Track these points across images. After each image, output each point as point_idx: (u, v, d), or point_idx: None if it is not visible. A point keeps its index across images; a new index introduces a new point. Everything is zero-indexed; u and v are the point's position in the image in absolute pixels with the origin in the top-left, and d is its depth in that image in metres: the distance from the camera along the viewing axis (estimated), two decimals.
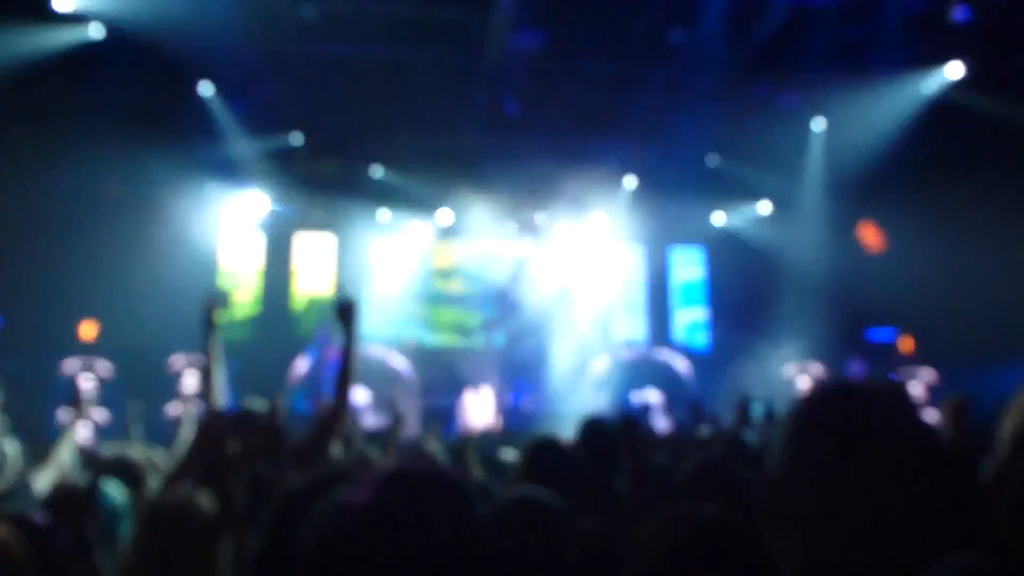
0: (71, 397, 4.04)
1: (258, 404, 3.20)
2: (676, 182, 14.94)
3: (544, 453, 3.17)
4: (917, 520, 1.04)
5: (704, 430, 6.07)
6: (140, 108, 12.11)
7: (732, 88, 13.00)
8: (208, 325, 3.28)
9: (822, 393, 1.19)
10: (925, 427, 1.13)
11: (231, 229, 15.97)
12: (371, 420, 12.69)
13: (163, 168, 13.48)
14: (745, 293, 15.37)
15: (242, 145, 13.94)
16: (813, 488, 1.09)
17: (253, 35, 11.70)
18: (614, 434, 3.21)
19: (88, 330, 13.42)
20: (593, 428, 3.49)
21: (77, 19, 10.81)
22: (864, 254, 14.48)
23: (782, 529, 1.13)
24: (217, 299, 3.10)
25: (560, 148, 13.53)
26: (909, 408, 1.14)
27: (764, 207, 15.79)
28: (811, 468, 1.11)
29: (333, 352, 12.22)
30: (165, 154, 13.11)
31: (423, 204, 16.36)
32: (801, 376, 14.02)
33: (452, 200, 15.84)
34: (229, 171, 14.71)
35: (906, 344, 13.95)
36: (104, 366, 13.18)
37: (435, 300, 17.12)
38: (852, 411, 1.12)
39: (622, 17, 11.41)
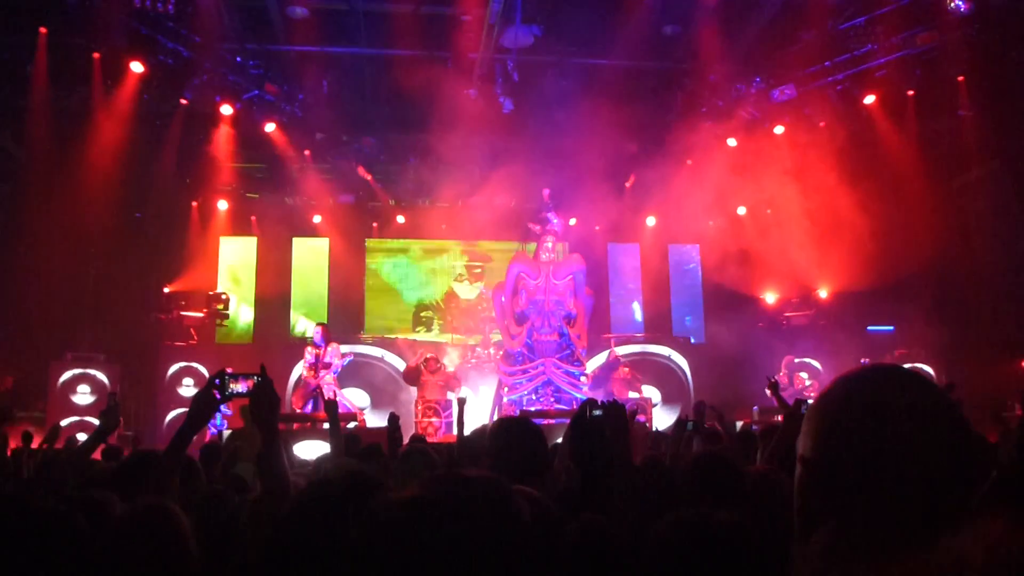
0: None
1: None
2: (672, 179, 14.93)
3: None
4: (946, 486, 1.10)
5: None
6: None
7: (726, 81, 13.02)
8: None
9: (857, 377, 1.22)
10: (951, 403, 1.17)
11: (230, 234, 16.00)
12: (373, 420, 12.65)
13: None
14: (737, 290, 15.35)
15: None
16: (852, 465, 1.13)
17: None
18: (601, 422, 3.17)
19: None
20: (581, 417, 3.40)
21: None
22: None
23: (815, 509, 1.17)
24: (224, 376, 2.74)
25: (556, 145, 13.49)
26: (935, 387, 1.19)
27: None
28: (850, 446, 1.14)
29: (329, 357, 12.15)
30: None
31: (416, 203, 16.39)
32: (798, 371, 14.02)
33: (449, 199, 15.84)
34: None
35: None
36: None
37: (432, 297, 17.14)
38: (888, 392, 1.16)
39: (616, 12, 11.40)
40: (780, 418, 6.74)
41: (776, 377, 13.27)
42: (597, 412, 3.22)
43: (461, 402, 5.54)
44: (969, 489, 1.10)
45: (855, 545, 1.10)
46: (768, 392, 6.14)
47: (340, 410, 11.11)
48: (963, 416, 1.16)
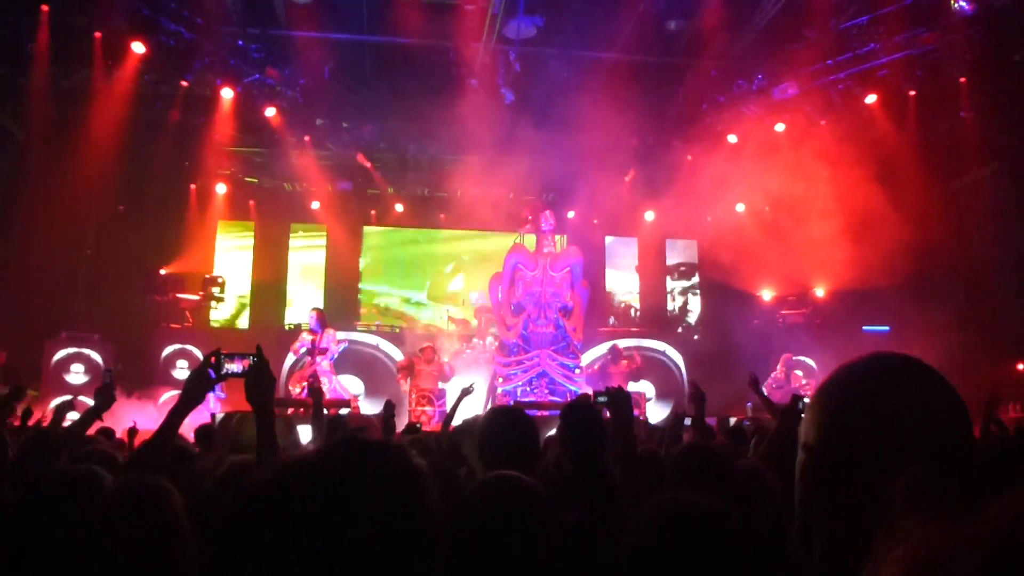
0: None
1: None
2: (671, 174, 14.91)
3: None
4: (951, 463, 1.07)
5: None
6: None
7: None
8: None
9: (859, 363, 1.20)
10: (951, 387, 1.15)
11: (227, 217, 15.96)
12: (367, 407, 12.64)
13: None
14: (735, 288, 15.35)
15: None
16: (856, 450, 1.11)
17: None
18: (598, 411, 3.13)
19: None
20: (577, 407, 3.37)
21: None
22: None
23: (818, 496, 1.14)
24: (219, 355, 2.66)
25: (556, 137, 13.46)
26: (935, 371, 1.17)
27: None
28: (855, 431, 1.12)
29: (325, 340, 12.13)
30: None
31: (415, 192, 16.37)
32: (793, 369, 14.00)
33: (448, 189, 15.81)
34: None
35: None
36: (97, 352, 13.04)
37: (428, 287, 17.13)
38: (891, 375, 1.15)
39: (620, 6, 11.36)
40: (767, 415, 6.77)
41: (773, 374, 13.39)
42: (602, 399, 3.19)
43: (464, 391, 5.51)
44: (973, 467, 1.09)
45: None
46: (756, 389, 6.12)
47: (334, 396, 11.14)
48: (961, 399, 1.13)
